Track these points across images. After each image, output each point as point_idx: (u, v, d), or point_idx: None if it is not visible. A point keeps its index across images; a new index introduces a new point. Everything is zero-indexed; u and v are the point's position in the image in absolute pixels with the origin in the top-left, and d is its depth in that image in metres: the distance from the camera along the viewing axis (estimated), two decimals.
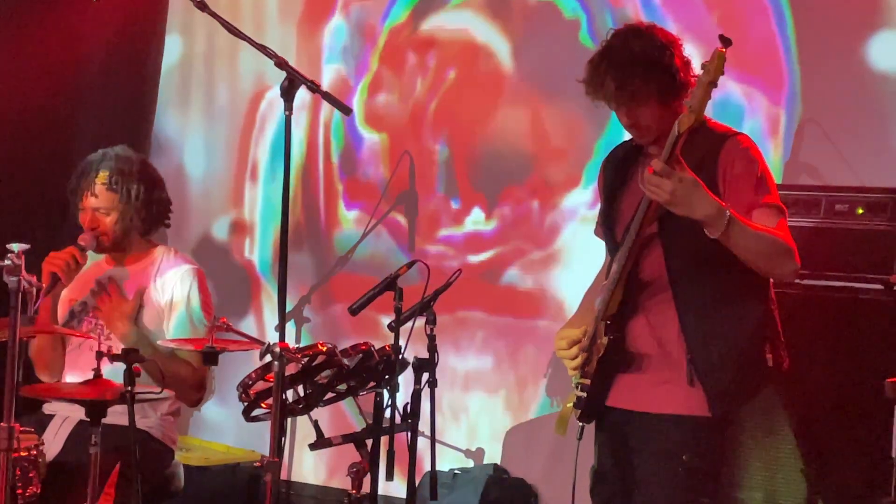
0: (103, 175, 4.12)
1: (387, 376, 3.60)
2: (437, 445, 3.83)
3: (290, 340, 5.53)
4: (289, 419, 4.34)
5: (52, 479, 3.66)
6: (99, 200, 4.11)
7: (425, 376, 3.69)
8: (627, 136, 3.50)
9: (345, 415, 5.41)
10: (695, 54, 3.37)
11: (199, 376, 4.08)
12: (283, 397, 3.21)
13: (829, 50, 4.82)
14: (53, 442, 3.97)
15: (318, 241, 6.09)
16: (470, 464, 5.52)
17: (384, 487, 3.77)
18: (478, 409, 5.61)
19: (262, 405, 3.47)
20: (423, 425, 3.69)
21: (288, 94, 3.18)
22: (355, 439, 3.60)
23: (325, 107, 5.93)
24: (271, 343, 3.15)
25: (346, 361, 3.51)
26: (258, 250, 6.28)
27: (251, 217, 6.32)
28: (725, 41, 3.02)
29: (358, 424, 3.68)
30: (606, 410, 3.44)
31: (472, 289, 5.45)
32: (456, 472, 5.34)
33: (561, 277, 5.40)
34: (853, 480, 3.98)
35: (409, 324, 3.73)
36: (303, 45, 6.18)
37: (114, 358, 3.41)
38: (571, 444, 3.50)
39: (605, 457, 3.50)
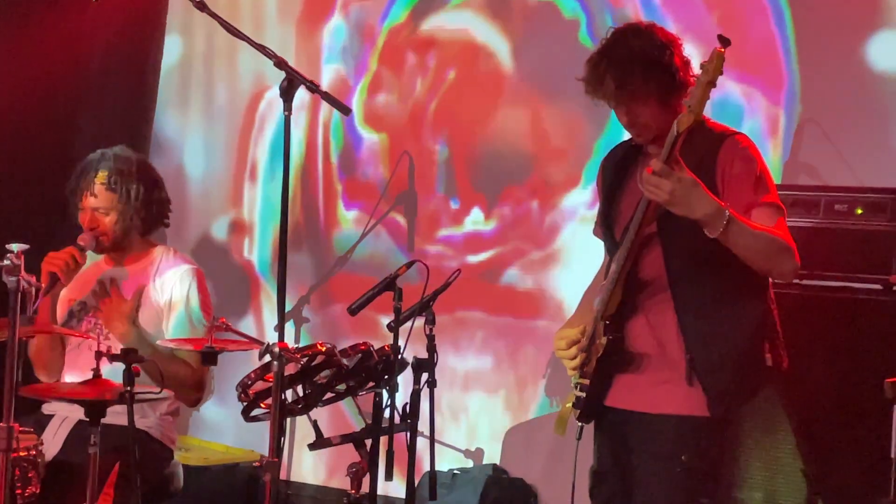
0: (102, 175, 4.12)
1: (386, 376, 3.60)
2: (437, 445, 3.83)
3: (290, 340, 5.53)
4: (288, 419, 4.34)
5: (52, 479, 3.66)
6: (98, 200, 4.11)
7: (424, 376, 3.69)
8: (627, 135, 3.50)
9: (344, 415, 5.41)
10: (694, 54, 3.37)
11: (198, 376, 4.08)
12: (283, 397, 3.21)
13: (829, 50, 4.82)
14: (52, 442, 3.96)
15: (317, 242, 6.09)
16: (469, 464, 5.52)
17: (383, 487, 3.77)
18: (477, 410, 5.61)
19: (262, 405, 3.47)
20: (423, 425, 3.69)
21: (287, 94, 3.17)
22: (354, 439, 3.59)
23: (325, 107, 5.93)
24: (270, 343, 3.14)
25: (345, 361, 3.51)
26: (257, 250, 6.28)
27: (250, 217, 6.32)
28: (724, 41, 3.02)
29: (357, 424, 3.68)
30: (605, 410, 3.44)
31: (471, 289, 5.46)
32: (455, 472, 5.34)
33: (560, 277, 5.40)
34: (852, 480, 3.97)
35: (409, 324, 3.73)
36: (302, 46, 6.18)
37: (113, 358, 3.40)
38: (571, 444, 3.50)
39: (605, 457, 3.50)
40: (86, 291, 4.15)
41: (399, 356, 3.62)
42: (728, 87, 4.84)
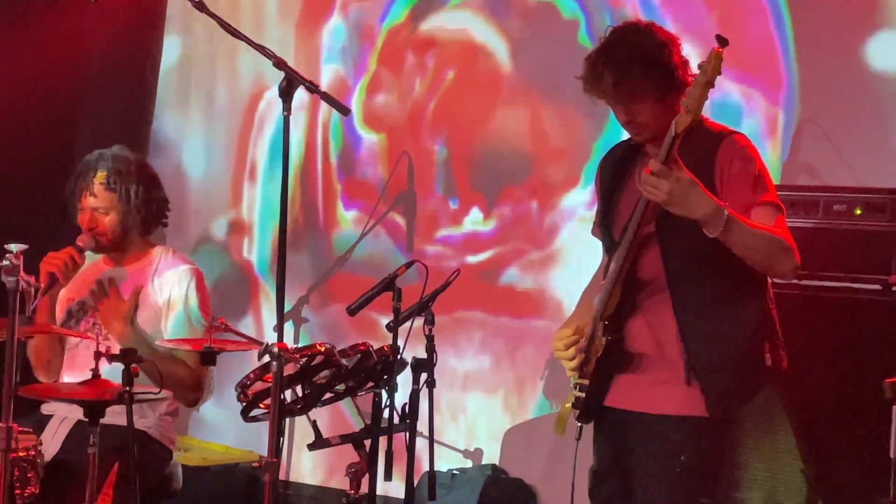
0: (101, 175, 4.12)
1: (385, 376, 3.60)
2: (436, 446, 3.83)
3: (289, 340, 5.54)
4: (287, 419, 4.33)
5: (51, 479, 3.66)
6: (98, 200, 4.11)
7: (424, 376, 3.69)
8: (626, 136, 3.50)
9: (343, 415, 5.41)
10: (693, 55, 3.37)
11: (197, 376, 4.08)
12: (282, 397, 3.21)
13: (828, 50, 4.82)
14: (52, 442, 3.96)
15: (316, 242, 6.09)
16: (468, 464, 5.52)
17: (382, 488, 3.77)
18: (476, 410, 5.61)
19: (261, 405, 3.47)
20: (422, 425, 3.69)
21: (286, 94, 3.17)
22: (354, 439, 3.59)
23: (324, 107, 5.93)
24: (270, 343, 3.14)
25: (344, 362, 3.50)
26: (257, 250, 6.28)
27: (250, 217, 6.32)
28: (722, 41, 3.02)
29: (356, 425, 3.67)
30: (605, 410, 3.44)
31: (470, 289, 5.46)
32: (454, 472, 5.34)
33: (559, 277, 5.40)
34: (852, 480, 3.97)
35: (408, 324, 3.73)
36: (301, 46, 6.18)
37: (112, 358, 3.40)
38: (570, 444, 3.50)
39: (604, 457, 3.50)
40: (85, 292, 4.15)
41: (398, 356, 3.61)
42: (727, 87, 4.84)
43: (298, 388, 3.56)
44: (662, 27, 3.42)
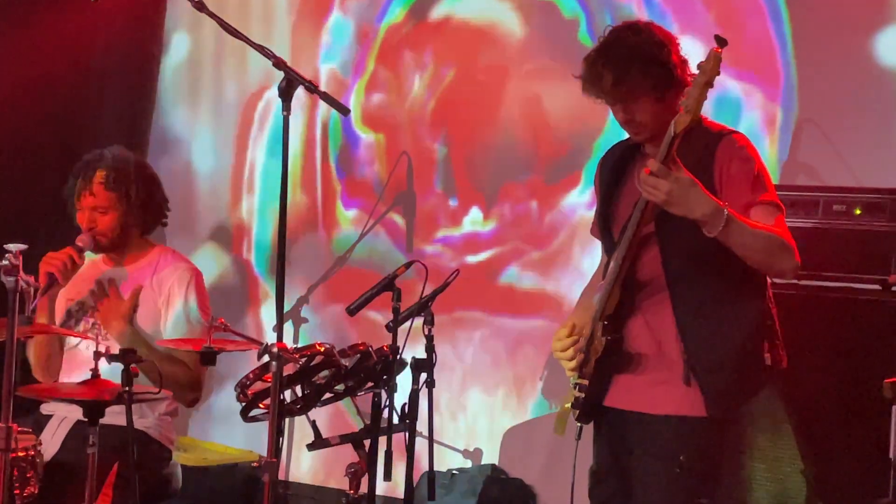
0: (101, 174, 4.11)
1: (385, 376, 3.60)
2: (435, 446, 3.83)
3: (288, 341, 5.53)
4: (287, 419, 4.33)
5: (50, 479, 3.65)
6: (97, 199, 4.11)
7: (423, 376, 3.69)
8: (626, 135, 3.50)
9: (343, 415, 5.40)
10: (694, 54, 3.36)
11: (196, 376, 4.08)
12: (281, 397, 3.21)
13: (827, 49, 4.82)
14: (51, 442, 3.96)
15: (316, 242, 6.09)
16: (468, 464, 5.52)
17: (382, 488, 3.77)
18: (476, 409, 5.61)
19: (260, 405, 3.47)
20: (421, 425, 3.69)
21: (286, 94, 3.17)
22: (353, 439, 3.59)
23: (324, 106, 5.93)
24: (269, 343, 3.14)
25: (344, 362, 3.50)
26: (256, 250, 6.28)
27: (249, 217, 6.32)
28: (721, 41, 3.03)
29: (356, 425, 3.67)
30: (604, 411, 3.44)
31: (470, 289, 5.45)
32: (454, 472, 5.34)
33: (559, 277, 5.40)
34: (852, 480, 3.97)
35: (408, 324, 3.73)
36: (300, 45, 6.17)
37: (111, 358, 3.40)
38: (569, 444, 3.50)
39: (604, 457, 3.50)
40: (84, 292, 4.14)
41: (398, 356, 3.61)
42: (726, 85, 4.84)
43: (298, 388, 3.56)
44: (661, 27, 3.42)
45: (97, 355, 3.44)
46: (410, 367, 3.68)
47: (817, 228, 4.14)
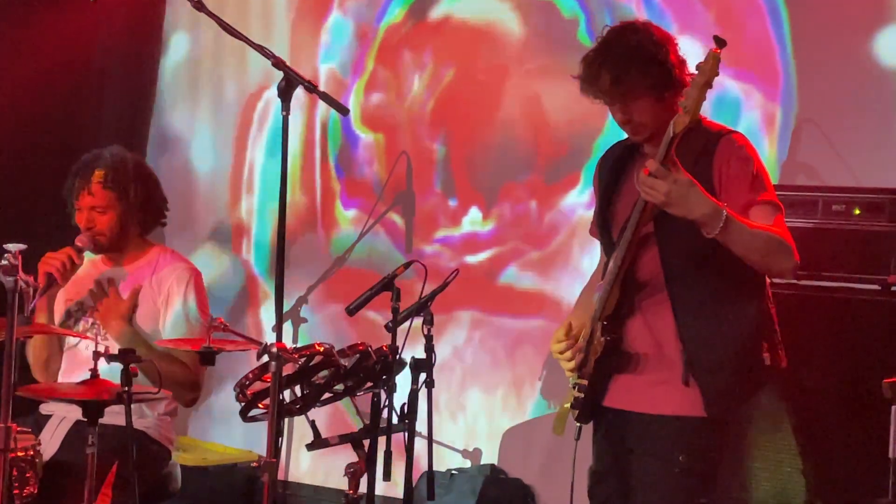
0: (99, 174, 4.11)
1: (384, 376, 3.59)
2: (435, 445, 3.83)
3: (288, 340, 5.53)
4: (286, 419, 4.33)
5: (49, 479, 3.65)
6: (95, 199, 4.11)
7: (422, 376, 3.69)
8: (625, 135, 3.50)
9: (342, 415, 5.40)
10: (694, 54, 3.36)
11: (194, 376, 4.08)
12: (281, 397, 3.21)
13: (826, 48, 4.82)
14: (50, 442, 3.96)
15: (315, 242, 6.09)
16: (467, 464, 5.52)
17: (381, 488, 3.77)
18: (475, 409, 5.61)
19: (260, 405, 3.46)
20: (421, 425, 3.69)
21: (285, 94, 3.18)
22: (352, 439, 3.59)
23: (323, 106, 5.93)
24: (268, 343, 3.14)
25: (343, 362, 3.50)
26: (256, 250, 6.27)
27: (249, 217, 6.31)
28: (720, 42, 3.03)
29: (355, 425, 3.67)
30: (604, 411, 3.44)
31: (469, 289, 5.46)
32: (453, 472, 5.34)
33: (558, 277, 5.40)
34: (851, 480, 3.97)
35: (407, 324, 3.73)
36: (299, 45, 6.17)
37: (111, 358, 3.40)
38: (569, 444, 3.50)
39: (603, 457, 3.50)
40: (83, 292, 4.14)
41: (397, 356, 3.61)
42: (726, 84, 4.84)
43: (297, 388, 3.56)
44: (659, 27, 3.42)
45: (96, 355, 3.44)
46: (410, 367, 3.68)
47: (817, 228, 4.14)
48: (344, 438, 3.61)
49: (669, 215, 3.14)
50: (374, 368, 3.58)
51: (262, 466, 3.12)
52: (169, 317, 4.12)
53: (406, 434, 3.66)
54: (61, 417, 4.04)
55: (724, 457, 3.41)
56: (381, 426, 3.62)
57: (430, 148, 5.80)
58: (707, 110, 3.25)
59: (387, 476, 3.68)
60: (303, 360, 3.44)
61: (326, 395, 3.61)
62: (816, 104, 4.83)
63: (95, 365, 3.45)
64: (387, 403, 3.61)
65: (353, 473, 3.53)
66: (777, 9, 4.92)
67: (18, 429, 3.31)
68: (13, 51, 5.74)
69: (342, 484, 3.55)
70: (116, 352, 3.43)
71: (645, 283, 3.34)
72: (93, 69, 6.31)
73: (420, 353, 3.70)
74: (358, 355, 3.55)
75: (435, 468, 3.83)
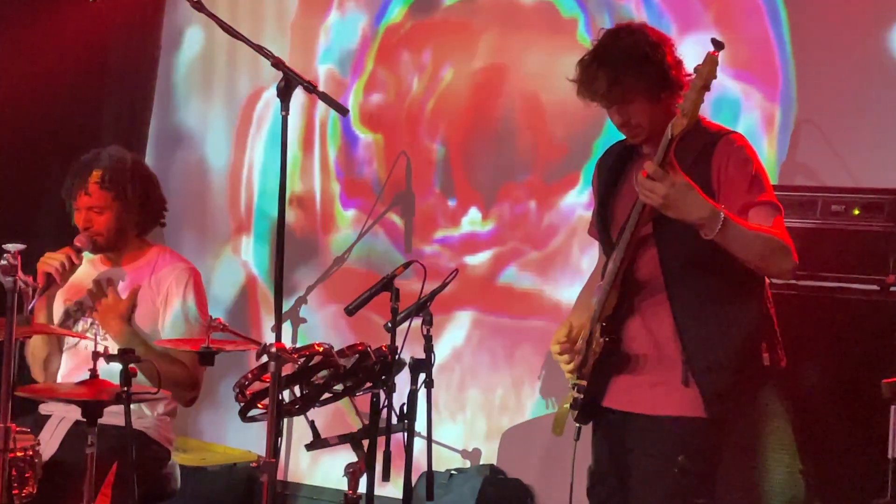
0: (96, 174, 4.11)
1: (383, 377, 3.59)
2: (434, 446, 3.83)
3: (287, 341, 5.54)
4: (285, 420, 4.33)
5: (49, 479, 3.65)
6: (93, 199, 4.11)
7: (422, 376, 3.69)
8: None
9: (341, 415, 5.39)
10: (693, 54, 3.36)
11: (194, 376, 4.08)
12: (280, 398, 3.21)
13: (826, 48, 4.82)
14: (50, 442, 3.96)
15: (315, 242, 6.09)
16: (466, 464, 5.52)
17: (380, 488, 3.77)
18: (474, 410, 5.61)
19: (259, 406, 3.47)
20: (420, 426, 3.69)
21: (284, 94, 3.18)
22: (352, 440, 3.59)
23: (322, 105, 5.92)
24: (268, 343, 3.14)
25: (342, 362, 3.50)
26: (255, 250, 6.27)
27: (248, 216, 6.31)
28: (718, 45, 3.03)
29: (354, 425, 3.67)
30: (603, 411, 3.44)
31: (469, 289, 5.46)
32: (452, 472, 5.34)
33: (558, 277, 5.40)
34: (850, 480, 3.97)
35: (406, 324, 3.73)
36: (298, 45, 6.17)
37: (110, 358, 3.40)
38: (568, 444, 3.50)
39: (602, 457, 3.50)
40: (82, 292, 4.14)
41: (396, 356, 3.61)
42: (725, 84, 4.84)
43: (296, 389, 3.56)
44: (655, 28, 3.42)
45: (96, 355, 3.44)
46: (409, 367, 3.68)
47: (816, 229, 4.14)
48: (343, 439, 3.61)
49: (669, 216, 3.14)
50: (374, 369, 3.58)
51: (261, 466, 3.12)
52: (168, 317, 4.13)
53: (405, 434, 3.66)
54: (60, 417, 4.04)
55: (723, 457, 3.42)
56: (380, 426, 3.61)
57: (430, 148, 5.80)
58: (707, 110, 3.25)
59: (386, 476, 3.68)
60: (302, 360, 3.44)
61: (326, 396, 3.61)
62: (816, 104, 4.83)
63: (95, 365, 3.45)
64: (386, 404, 3.60)
65: (352, 474, 3.53)
66: (776, 9, 4.92)
67: (18, 429, 3.31)
68: (13, 51, 5.74)
69: (341, 484, 3.55)
70: (116, 352, 3.43)
71: (644, 283, 3.34)
72: (93, 69, 6.31)
73: (419, 354, 3.70)
74: (357, 355, 3.55)
75: (434, 468, 3.83)
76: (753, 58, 4.92)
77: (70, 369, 4.12)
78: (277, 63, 3.21)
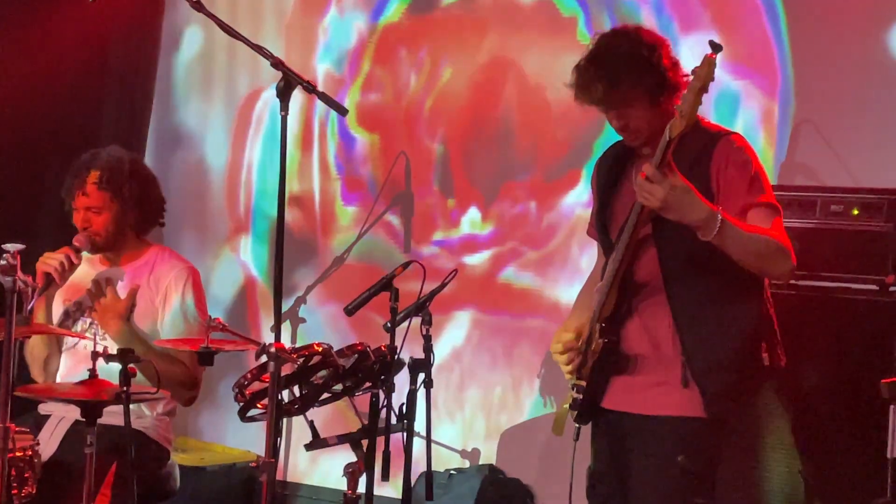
0: (94, 174, 4.12)
1: (383, 377, 3.59)
2: (433, 446, 3.83)
3: (286, 341, 5.53)
4: (284, 420, 4.33)
5: (48, 479, 3.65)
6: (91, 199, 4.11)
7: (421, 376, 3.69)
8: None
9: (341, 415, 5.39)
10: (692, 53, 3.36)
11: (193, 375, 4.08)
12: (279, 398, 3.21)
13: (825, 47, 4.82)
14: (49, 442, 3.96)
15: (314, 242, 6.08)
16: (466, 464, 5.52)
17: (380, 488, 3.77)
18: (474, 410, 5.61)
19: (258, 405, 3.47)
20: (419, 426, 3.69)
21: (284, 94, 3.18)
22: (351, 440, 3.59)
23: (321, 105, 5.92)
24: (267, 343, 3.14)
25: (341, 362, 3.50)
26: (254, 249, 6.27)
27: (247, 216, 6.31)
28: (716, 47, 3.03)
29: (354, 425, 3.67)
30: (602, 411, 3.44)
31: (468, 288, 5.46)
32: (452, 472, 5.34)
33: (557, 277, 5.40)
34: (850, 480, 3.97)
35: (405, 324, 3.73)
36: (296, 44, 6.16)
37: (109, 358, 3.40)
38: (567, 444, 3.50)
39: (602, 457, 3.50)
40: (81, 292, 4.14)
41: (395, 356, 3.61)
42: (724, 83, 4.84)
43: (296, 389, 3.56)
44: (651, 30, 3.42)
45: (95, 355, 3.44)
46: (408, 367, 3.68)
47: (815, 229, 4.14)
48: (342, 438, 3.61)
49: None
50: (373, 368, 3.58)
51: (260, 466, 3.12)
52: (167, 316, 4.13)
53: (404, 434, 3.66)
54: (60, 417, 4.04)
55: (723, 457, 3.42)
56: (379, 426, 3.61)
57: (429, 147, 5.79)
58: (706, 109, 3.25)
59: (385, 476, 3.67)
60: (301, 360, 3.44)
61: (325, 396, 3.61)
62: (815, 104, 4.83)
63: (94, 365, 3.45)
64: (385, 403, 3.60)
65: (351, 473, 3.53)
66: (775, 8, 4.92)
67: (17, 429, 3.31)
68: (13, 51, 5.74)
69: (341, 484, 3.55)
70: (115, 352, 3.43)
71: (643, 284, 3.34)
72: (93, 69, 6.31)
73: (418, 354, 3.70)
74: (356, 355, 3.55)
75: (433, 468, 3.83)
76: (752, 56, 4.92)
77: (69, 369, 4.12)
78: (277, 63, 3.21)
